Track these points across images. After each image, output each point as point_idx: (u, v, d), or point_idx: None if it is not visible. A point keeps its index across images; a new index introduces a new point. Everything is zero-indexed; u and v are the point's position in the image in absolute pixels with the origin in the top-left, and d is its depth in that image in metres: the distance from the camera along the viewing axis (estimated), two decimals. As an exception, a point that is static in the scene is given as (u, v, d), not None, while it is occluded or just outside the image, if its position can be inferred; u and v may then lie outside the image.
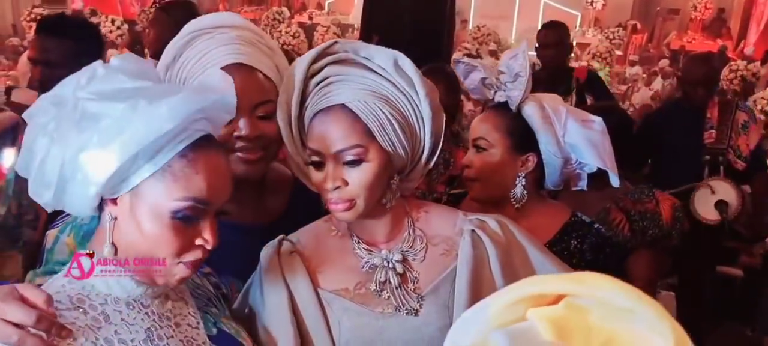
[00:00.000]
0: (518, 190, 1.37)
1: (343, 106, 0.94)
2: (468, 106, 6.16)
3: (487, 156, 1.37)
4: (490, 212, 1.31)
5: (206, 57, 1.08)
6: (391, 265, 1.01)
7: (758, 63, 8.00)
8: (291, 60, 1.09)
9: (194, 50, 1.10)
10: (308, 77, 0.97)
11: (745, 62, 7.19)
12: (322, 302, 1.00)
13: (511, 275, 1.00)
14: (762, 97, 5.87)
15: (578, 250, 1.35)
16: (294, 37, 8.26)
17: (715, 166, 2.82)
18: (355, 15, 12.37)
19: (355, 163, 0.95)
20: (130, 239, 0.82)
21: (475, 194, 1.42)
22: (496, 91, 1.37)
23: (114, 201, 0.81)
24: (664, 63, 9.44)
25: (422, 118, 0.98)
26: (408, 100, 0.97)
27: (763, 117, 5.54)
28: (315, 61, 0.97)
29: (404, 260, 1.02)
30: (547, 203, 1.44)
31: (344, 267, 1.03)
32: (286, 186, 1.25)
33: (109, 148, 0.75)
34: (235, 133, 1.08)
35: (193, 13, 2.92)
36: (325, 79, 0.96)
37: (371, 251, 1.02)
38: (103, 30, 7.55)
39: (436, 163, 2.28)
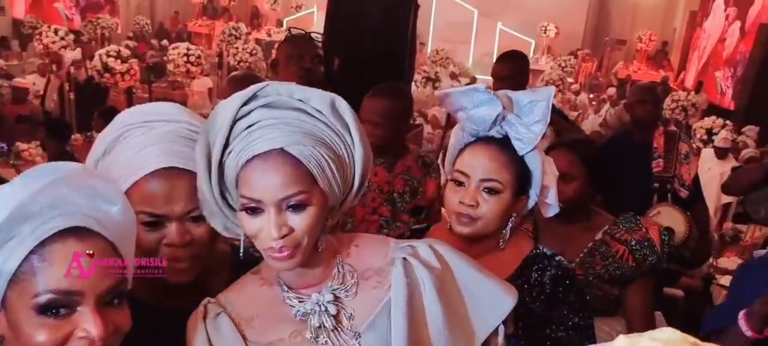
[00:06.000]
0: (508, 231, 1.33)
1: (281, 150, 0.90)
2: (427, 128, 6.25)
3: (497, 200, 1.28)
4: (463, 247, 1.28)
5: (137, 157, 1.02)
6: (323, 307, 0.98)
7: (701, 94, 8.42)
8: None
9: (125, 146, 1.04)
10: (235, 120, 0.92)
11: (685, 93, 7.59)
12: None
13: (448, 300, 1.00)
14: (701, 127, 6.22)
15: (538, 282, 1.31)
16: (251, 54, 8.20)
17: (663, 194, 2.97)
18: (313, 32, 12.37)
19: (300, 208, 0.91)
20: None
21: (470, 232, 1.31)
22: (502, 128, 1.29)
23: None
24: (612, 91, 9.81)
25: (354, 158, 0.97)
26: (342, 141, 0.96)
27: (701, 145, 5.88)
28: (245, 103, 0.92)
29: (336, 299, 0.99)
30: (515, 236, 1.39)
31: (276, 318, 1.00)
32: (227, 261, 1.19)
33: None
34: (164, 241, 1.03)
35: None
36: (255, 122, 0.91)
37: (302, 298, 0.99)
38: (45, 40, 7.23)
39: (402, 192, 2.30)
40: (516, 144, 1.28)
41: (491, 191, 1.28)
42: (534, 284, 1.30)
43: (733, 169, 5.00)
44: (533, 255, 1.35)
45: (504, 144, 1.29)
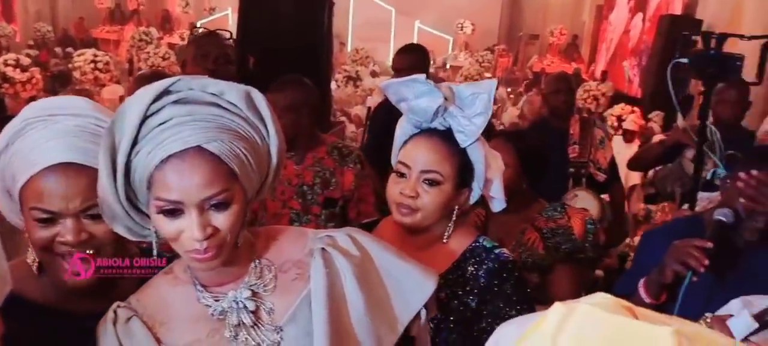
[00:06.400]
0: (452, 225, 1.33)
1: (198, 148, 0.86)
2: (350, 127, 6.21)
3: (438, 192, 1.29)
4: (407, 238, 1.32)
5: (36, 152, 0.98)
6: (241, 305, 0.96)
7: (607, 83, 8.84)
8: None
9: (26, 141, 0.99)
10: (145, 118, 0.87)
11: (595, 83, 7.95)
12: None
13: (369, 287, 0.99)
14: (611, 114, 6.53)
15: (473, 276, 1.32)
16: (164, 58, 7.88)
17: (578, 179, 3.07)
18: (221, 30, 12.04)
19: (223, 207, 0.88)
20: None
21: (410, 223, 1.31)
22: (445, 120, 1.29)
23: None
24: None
25: (269, 151, 0.96)
26: (258, 134, 0.94)
27: (612, 131, 6.17)
28: (155, 99, 0.87)
29: (254, 295, 0.98)
30: (459, 227, 1.39)
31: (192, 317, 0.97)
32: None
33: None
34: (59, 239, 0.98)
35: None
36: (168, 119, 0.87)
37: (218, 296, 0.97)
38: None
39: (312, 185, 2.27)
40: (458, 136, 1.28)
41: (431, 183, 1.29)
42: (469, 277, 1.31)
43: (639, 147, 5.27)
44: (472, 248, 1.35)
45: (446, 136, 1.29)
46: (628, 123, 6.03)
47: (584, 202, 2.76)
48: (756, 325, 1.01)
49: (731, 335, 1.01)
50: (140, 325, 0.95)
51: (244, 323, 0.96)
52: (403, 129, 1.35)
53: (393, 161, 1.38)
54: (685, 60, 2.60)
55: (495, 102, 7.89)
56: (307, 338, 0.95)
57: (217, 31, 2.81)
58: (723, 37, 2.60)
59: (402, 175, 1.31)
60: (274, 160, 0.97)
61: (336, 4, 4.58)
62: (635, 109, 6.61)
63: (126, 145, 0.86)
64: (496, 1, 14.45)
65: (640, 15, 10.57)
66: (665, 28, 7.98)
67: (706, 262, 1.39)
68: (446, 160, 1.28)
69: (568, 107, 3.26)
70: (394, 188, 1.31)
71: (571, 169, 3.08)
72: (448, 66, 11.84)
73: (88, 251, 0.99)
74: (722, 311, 1.16)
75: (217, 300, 0.96)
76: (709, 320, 1.06)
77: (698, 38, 6.61)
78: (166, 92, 0.87)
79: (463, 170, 1.30)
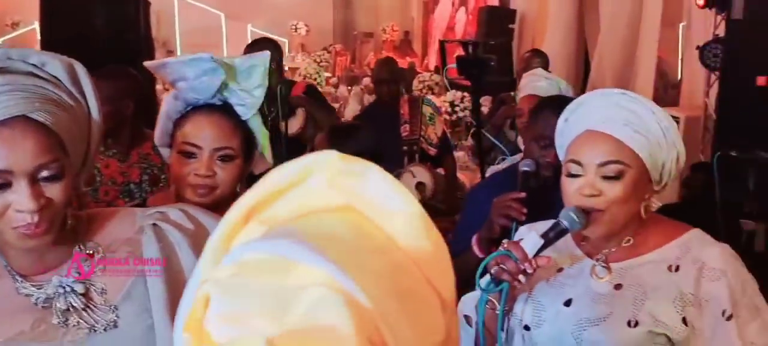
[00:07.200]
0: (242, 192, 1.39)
1: (24, 117, 0.84)
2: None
3: (233, 166, 1.32)
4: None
5: None
6: (68, 289, 0.93)
7: (438, 74, 9.35)
8: None
9: None
10: None
11: (428, 73, 8.39)
12: None
13: None
14: (445, 100, 6.92)
15: None
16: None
17: (412, 155, 3.20)
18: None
19: (55, 178, 0.86)
20: None
21: (210, 202, 1.30)
22: (223, 95, 1.31)
23: None
24: (367, 80, 10.36)
25: (90, 128, 0.96)
26: (79, 107, 0.93)
27: (446, 117, 6.52)
28: None
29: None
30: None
31: (12, 310, 0.92)
32: None
33: None
34: None
35: None
36: None
37: (40, 284, 0.93)
38: None
39: (139, 182, 2.14)
40: (239, 110, 1.32)
41: (225, 158, 1.31)
42: None
43: (473, 135, 5.61)
44: None
45: (226, 110, 1.32)
46: (437, 101, 6.43)
47: (419, 175, 2.88)
48: (542, 241, 1.14)
49: (525, 255, 1.13)
50: None
51: (74, 307, 0.93)
52: (172, 106, 1.34)
53: (159, 141, 1.37)
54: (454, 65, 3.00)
55: (337, 100, 7.97)
56: (145, 314, 0.96)
57: None
58: (476, 44, 3.09)
59: (191, 155, 1.30)
60: (95, 138, 0.96)
61: (161, 11, 4.40)
62: (465, 94, 7.04)
63: None
64: (328, 2, 14.62)
65: (462, 8, 11.29)
66: (484, 19, 8.60)
67: (525, 210, 1.52)
68: (233, 133, 1.32)
69: (394, 93, 3.40)
70: (186, 170, 1.30)
71: (405, 147, 3.20)
72: (286, 68, 11.76)
73: None
74: (515, 238, 1.28)
75: (39, 288, 0.93)
76: (505, 246, 1.15)
77: (514, 26, 7.25)
78: None
79: (248, 141, 1.36)
